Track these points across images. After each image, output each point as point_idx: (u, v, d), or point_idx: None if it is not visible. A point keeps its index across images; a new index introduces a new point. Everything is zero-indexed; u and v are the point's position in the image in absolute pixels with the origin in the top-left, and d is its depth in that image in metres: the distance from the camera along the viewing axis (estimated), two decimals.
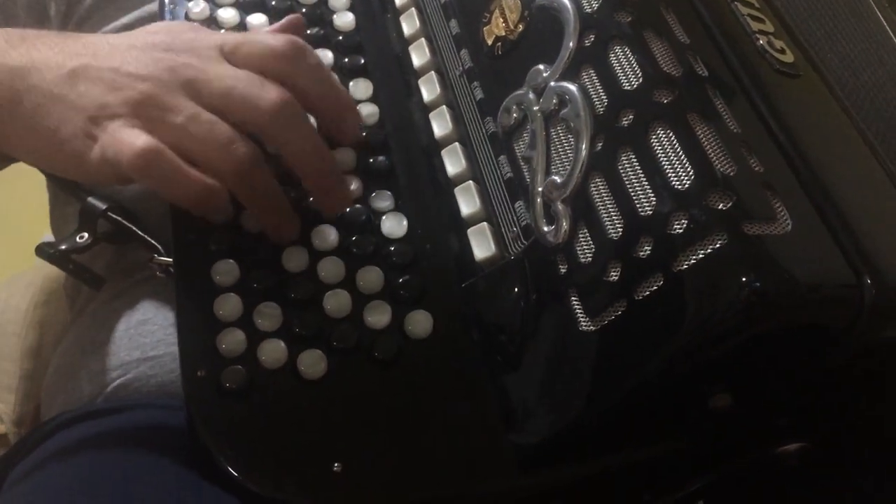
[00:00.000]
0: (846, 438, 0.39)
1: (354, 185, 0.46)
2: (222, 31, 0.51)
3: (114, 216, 0.49)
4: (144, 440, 0.44)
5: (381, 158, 0.47)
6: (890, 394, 0.37)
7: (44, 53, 0.43)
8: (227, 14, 0.53)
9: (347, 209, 0.45)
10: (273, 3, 0.54)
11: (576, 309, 0.36)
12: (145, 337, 0.51)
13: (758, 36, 0.40)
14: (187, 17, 0.52)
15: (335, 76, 0.47)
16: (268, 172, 0.42)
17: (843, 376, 0.35)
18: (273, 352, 0.40)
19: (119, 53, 0.42)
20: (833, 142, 0.38)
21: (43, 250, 0.51)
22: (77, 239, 0.49)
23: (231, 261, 0.42)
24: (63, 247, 0.49)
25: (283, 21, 0.49)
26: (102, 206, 0.49)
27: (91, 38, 0.45)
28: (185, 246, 0.44)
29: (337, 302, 0.42)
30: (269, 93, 0.41)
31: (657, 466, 0.39)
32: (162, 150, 0.40)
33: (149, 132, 0.40)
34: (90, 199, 0.50)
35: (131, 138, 0.40)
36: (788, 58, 0.40)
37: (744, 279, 0.31)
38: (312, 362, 0.40)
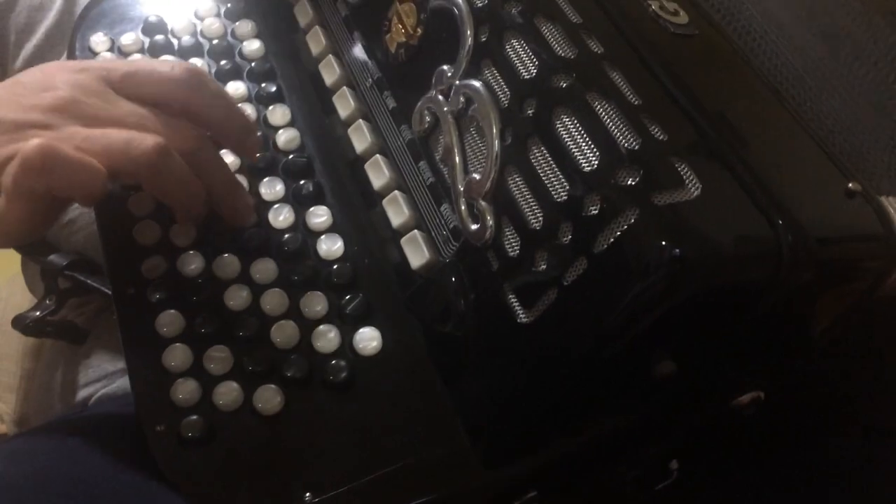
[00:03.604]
0: (793, 382, 0.40)
1: (286, 214, 0.46)
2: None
3: (70, 273, 0.50)
4: (106, 440, 0.45)
5: (308, 183, 0.47)
6: (815, 327, 0.37)
7: None
8: (135, 60, 0.53)
9: (285, 236, 0.45)
10: (181, 42, 0.54)
11: (513, 303, 0.37)
12: None
13: (649, 2, 0.40)
14: None
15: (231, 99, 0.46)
16: (178, 160, 0.40)
17: (771, 322, 0.36)
18: (228, 394, 0.40)
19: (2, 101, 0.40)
20: (735, 95, 0.39)
21: (19, 322, 0.53)
22: (46, 301, 0.51)
23: (173, 311, 0.43)
24: (37, 314, 0.52)
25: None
26: (62, 263, 0.50)
27: None
28: (125, 302, 0.44)
29: (284, 333, 0.42)
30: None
31: (622, 438, 0.40)
32: (54, 144, 0.38)
33: None
34: (50, 258, 0.51)
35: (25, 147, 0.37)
36: (682, 19, 0.40)
37: (662, 250, 0.32)
38: (268, 398, 0.40)
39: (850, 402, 0.45)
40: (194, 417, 0.39)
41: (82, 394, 0.57)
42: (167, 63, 0.44)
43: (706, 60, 0.40)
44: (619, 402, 0.37)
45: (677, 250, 0.32)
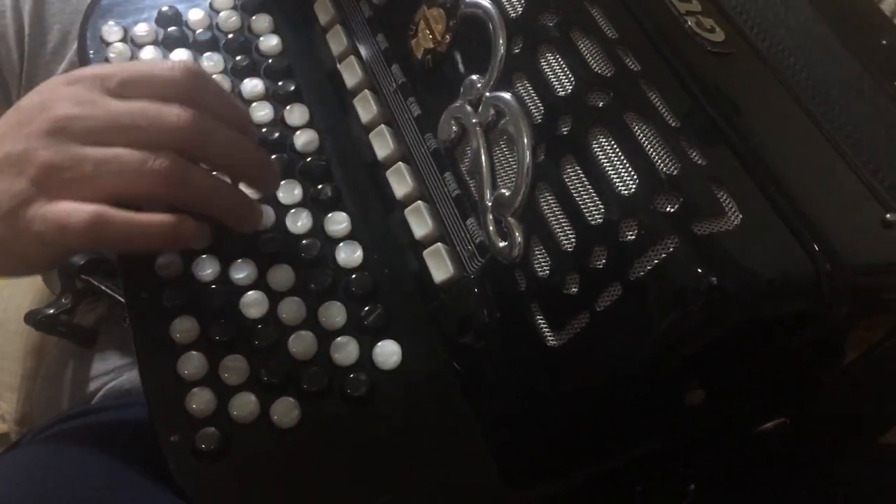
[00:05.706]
0: (820, 410, 0.39)
1: (304, 219, 0.45)
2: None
3: (85, 277, 0.50)
4: (105, 438, 0.45)
5: (326, 187, 0.46)
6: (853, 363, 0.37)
7: None
8: (148, 54, 0.51)
9: (303, 242, 0.44)
10: (195, 36, 0.52)
11: (540, 324, 0.36)
12: None
13: (686, 18, 0.40)
14: (107, 62, 0.51)
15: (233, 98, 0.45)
16: (199, 169, 0.40)
17: (804, 352, 0.35)
18: (244, 406, 0.39)
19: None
20: (772, 118, 0.38)
21: (32, 317, 0.54)
22: (62, 300, 0.52)
23: (189, 317, 0.42)
24: (50, 311, 0.52)
25: None
26: (79, 263, 0.50)
27: None
28: (139, 307, 0.43)
29: (302, 343, 0.41)
30: (172, 111, 0.39)
31: (643, 460, 0.39)
32: (104, 211, 0.38)
33: (68, 198, 0.38)
34: None
35: (66, 212, 0.38)
36: (719, 36, 0.40)
37: (702, 281, 0.31)
38: (286, 411, 0.39)
39: (869, 426, 0.45)
40: (210, 429, 0.38)
41: (90, 387, 0.57)
42: (166, 63, 0.42)
43: (743, 81, 0.39)
44: (646, 428, 0.37)
45: (716, 280, 0.31)
